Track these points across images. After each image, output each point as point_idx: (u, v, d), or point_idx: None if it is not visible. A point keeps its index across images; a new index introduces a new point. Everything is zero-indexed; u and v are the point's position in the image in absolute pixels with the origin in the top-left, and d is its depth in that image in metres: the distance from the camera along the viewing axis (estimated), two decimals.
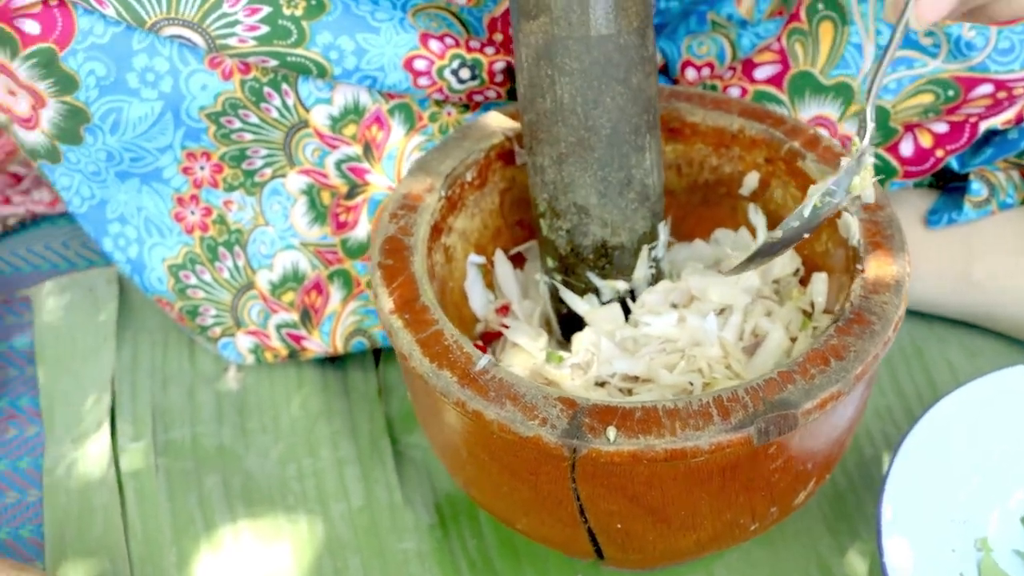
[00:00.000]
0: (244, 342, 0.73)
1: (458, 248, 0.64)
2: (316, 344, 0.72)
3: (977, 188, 0.72)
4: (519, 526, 0.58)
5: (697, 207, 0.69)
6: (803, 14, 0.69)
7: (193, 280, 0.72)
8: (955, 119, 0.69)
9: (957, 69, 0.67)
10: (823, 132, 0.65)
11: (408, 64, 0.65)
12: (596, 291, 0.63)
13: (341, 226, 0.69)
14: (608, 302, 0.63)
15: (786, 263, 0.64)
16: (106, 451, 0.71)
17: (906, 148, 0.70)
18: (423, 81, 0.65)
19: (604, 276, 0.63)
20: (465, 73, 0.67)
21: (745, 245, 0.67)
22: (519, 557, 0.65)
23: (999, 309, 0.74)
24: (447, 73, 0.66)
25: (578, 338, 0.60)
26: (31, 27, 0.62)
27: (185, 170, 0.69)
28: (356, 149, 0.68)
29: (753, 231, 0.67)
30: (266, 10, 0.62)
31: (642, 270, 0.63)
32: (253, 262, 0.71)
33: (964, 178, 0.74)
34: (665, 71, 0.73)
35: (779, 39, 0.70)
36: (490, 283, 0.67)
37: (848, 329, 0.52)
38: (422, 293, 0.55)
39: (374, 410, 0.73)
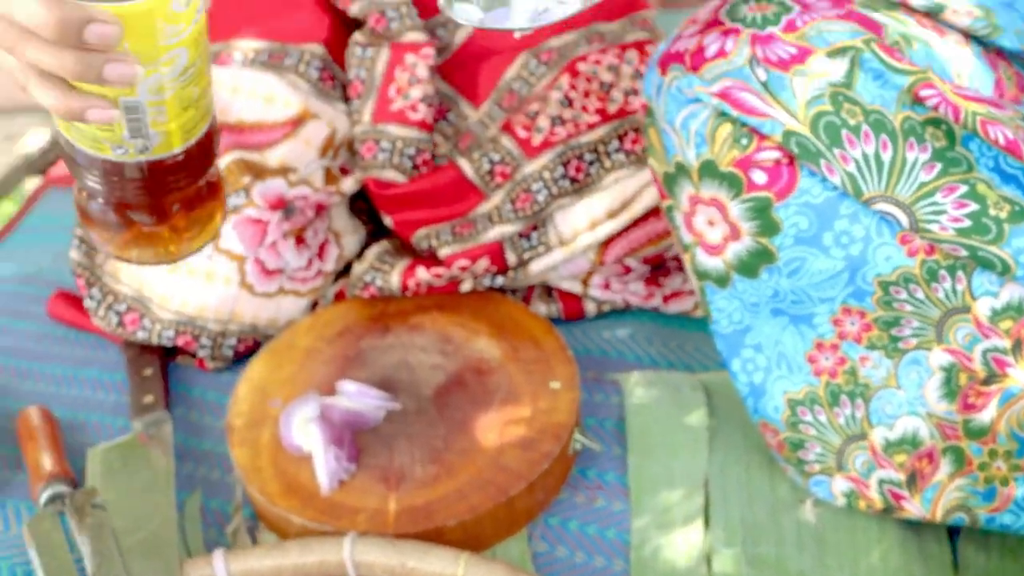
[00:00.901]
0: (840, 485, 0.79)
1: None
2: (915, 507, 0.76)
3: None
4: None
5: None
6: None
7: (808, 417, 0.79)
8: None
9: None
10: None
11: None
12: None
13: (968, 407, 0.73)
14: None
15: None
16: (697, 547, 0.78)
17: None
18: None
19: None
20: None
21: None
22: None
23: None
24: None
25: None
26: (759, 177, 0.71)
27: (835, 321, 0.76)
28: (1006, 343, 0.72)
29: None
30: (973, 207, 0.68)
31: None
32: (872, 417, 0.76)
33: None
34: None
35: None
36: None
37: None
38: None
39: None
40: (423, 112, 0.97)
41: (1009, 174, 0.69)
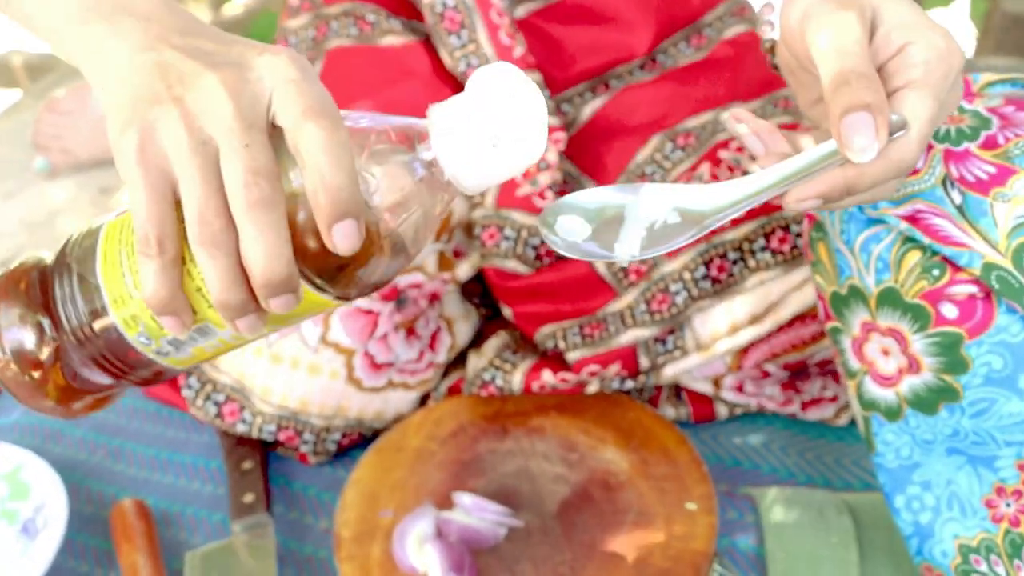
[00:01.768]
0: None
1: None
2: None
3: None
4: None
5: None
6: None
7: (983, 567, 0.71)
8: None
9: None
10: None
11: None
12: None
13: None
14: None
15: None
16: None
17: None
18: None
19: None
20: None
21: None
22: None
23: None
24: None
25: None
26: (949, 311, 0.63)
27: (1021, 467, 0.68)
28: None
29: None
30: None
31: None
32: None
33: None
34: None
35: None
36: None
37: None
38: None
39: None
40: (551, 199, 0.90)
41: None
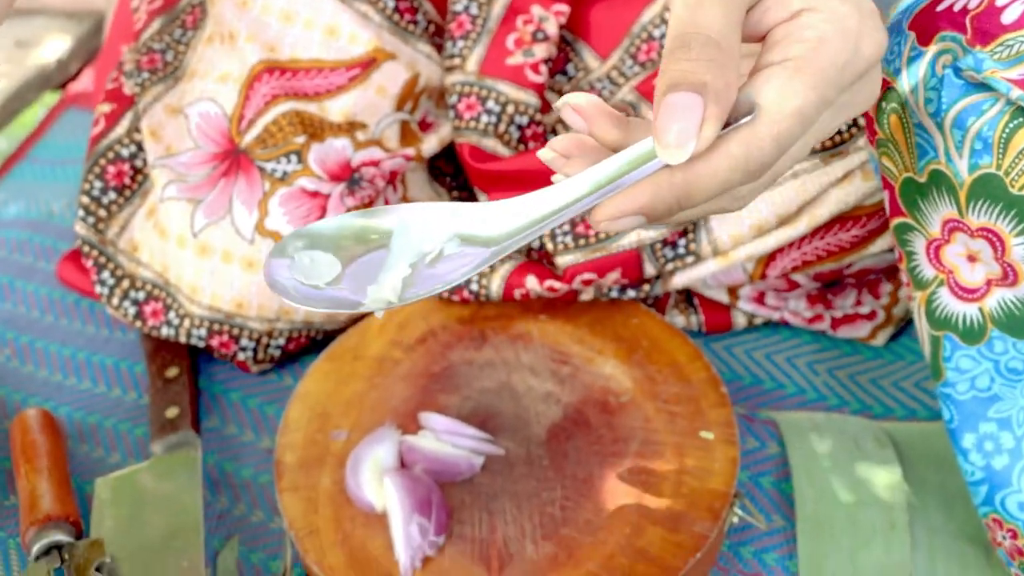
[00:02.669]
0: None
1: None
2: None
3: None
4: None
5: None
6: None
7: None
8: None
9: None
10: None
11: None
12: None
13: None
14: None
15: None
16: None
17: None
18: None
19: None
20: None
21: None
22: None
23: None
24: None
25: None
26: None
27: None
28: None
29: None
30: None
31: None
32: None
33: None
34: None
35: None
36: None
37: None
38: None
39: None
40: (544, 76, 0.74)
41: None
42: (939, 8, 0.52)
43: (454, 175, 0.83)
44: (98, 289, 0.77)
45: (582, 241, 0.71)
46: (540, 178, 0.72)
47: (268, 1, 0.75)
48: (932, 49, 0.52)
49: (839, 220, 0.71)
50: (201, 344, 0.75)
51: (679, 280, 0.73)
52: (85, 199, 0.78)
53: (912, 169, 0.54)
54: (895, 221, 0.57)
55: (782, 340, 0.78)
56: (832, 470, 0.69)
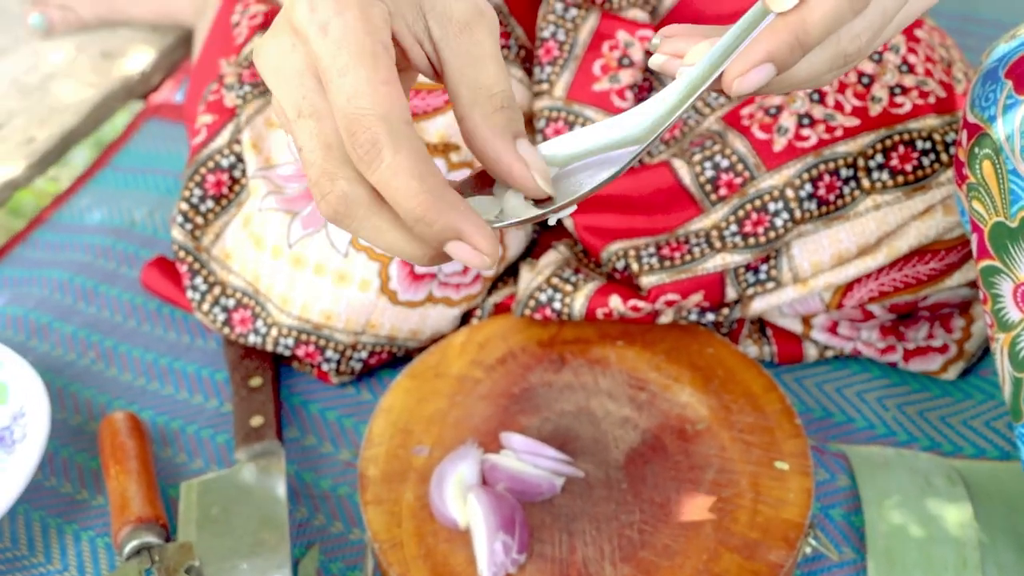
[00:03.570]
0: None
1: None
2: None
3: None
4: None
5: None
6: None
7: None
8: None
9: None
10: None
11: None
12: None
13: None
14: None
15: None
16: None
17: None
18: None
19: None
20: None
21: None
22: None
23: None
24: None
25: None
26: None
27: None
28: None
29: None
30: None
31: None
32: None
33: None
34: None
35: None
36: None
37: None
38: None
39: None
40: (631, 102, 0.76)
41: None
42: None
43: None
44: (189, 294, 0.79)
45: (667, 263, 0.73)
46: (627, 200, 0.74)
47: None
48: None
49: (918, 253, 0.72)
50: (287, 353, 0.77)
51: (757, 306, 0.74)
52: (184, 205, 0.80)
53: (1004, 214, 0.55)
54: (982, 263, 0.58)
55: (852, 374, 0.79)
56: (903, 505, 0.70)
